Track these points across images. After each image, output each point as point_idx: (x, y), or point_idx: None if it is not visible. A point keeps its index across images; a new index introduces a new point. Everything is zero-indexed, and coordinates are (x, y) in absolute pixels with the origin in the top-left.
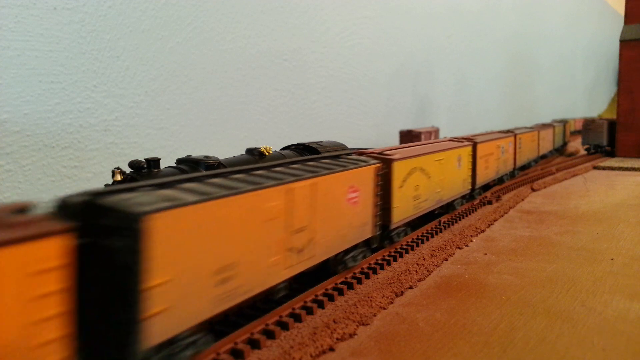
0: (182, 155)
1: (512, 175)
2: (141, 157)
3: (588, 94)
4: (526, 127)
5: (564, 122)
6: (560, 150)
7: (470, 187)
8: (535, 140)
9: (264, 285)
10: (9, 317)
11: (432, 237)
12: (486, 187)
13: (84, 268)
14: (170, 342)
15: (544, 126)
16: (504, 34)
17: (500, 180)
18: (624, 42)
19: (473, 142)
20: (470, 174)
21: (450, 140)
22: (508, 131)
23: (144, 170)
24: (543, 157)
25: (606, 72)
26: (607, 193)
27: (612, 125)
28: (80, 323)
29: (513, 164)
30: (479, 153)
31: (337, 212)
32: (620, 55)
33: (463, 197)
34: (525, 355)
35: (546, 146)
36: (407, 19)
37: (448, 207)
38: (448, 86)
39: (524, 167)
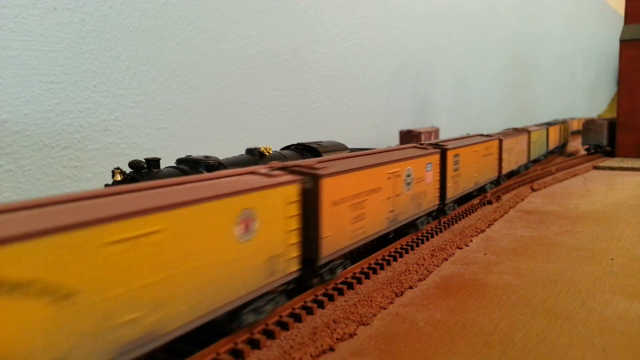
0: (182, 155)
1: (440, 212)
2: (141, 157)
3: (588, 94)
4: (482, 136)
5: (548, 126)
6: (541, 160)
7: (296, 268)
8: (493, 153)
9: None
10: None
11: (432, 237)
12: (369, 248)
13: None
14: None
15: (516, 132)
16: (504, 34)
17: (412, 227)
18: (624, 42)
19: (312, 175)
20: (294, 240)
21: (248, 172)
22: (434, 145)
23: (144, 170)
24: (513, 173)
25: (606, 72)
26: (607, 193)
27: (612, 125)
28: None
29: (438, 197)
30: (336, 193)
31: None
32: (620, 55)
33: (285, 285)
34: (525, 355)
35: (517, 159)
36: (407, 19)
37: (232, 319)
38: (448, 86)
39: (469, 196)
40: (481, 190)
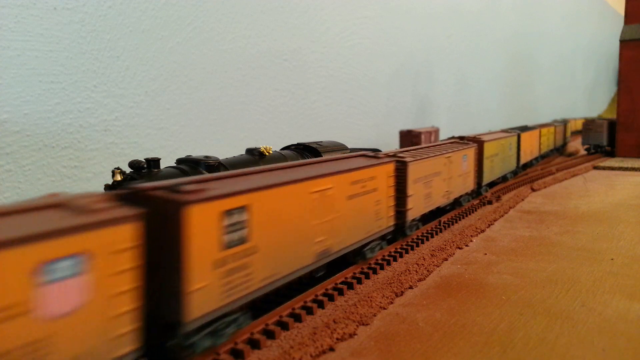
0: (182, 155)
1: (176, 352)
2: (141, 157)
3: (588, 94)
4: (366, 157)
5: (520, 131)
6: (508, 179)
7: None
8: (380, 187)
9: None
10: None
11: (432, 237)
12: None
13: None
14: None
15: (457, 144)
16: (504, 34)
17: None
18: (624, 42)
19: None
20: None
21: None
22: (144, 193)
23: (144, 170)
24: (444, 209)
25: (606, 72)
26: (607, 193)
27: (612, 125)
28: None
29: (127, 338)
30: None
31: None
32: (620, 55)
33: None
34: (525, 355)
35: (451, 188)
36: (407, 19)
37: None
38: (448, 86)
39: (312, 276)
40: (356, 254)
